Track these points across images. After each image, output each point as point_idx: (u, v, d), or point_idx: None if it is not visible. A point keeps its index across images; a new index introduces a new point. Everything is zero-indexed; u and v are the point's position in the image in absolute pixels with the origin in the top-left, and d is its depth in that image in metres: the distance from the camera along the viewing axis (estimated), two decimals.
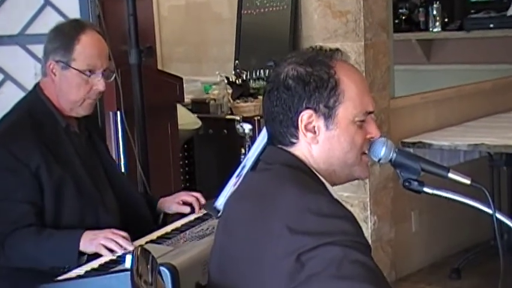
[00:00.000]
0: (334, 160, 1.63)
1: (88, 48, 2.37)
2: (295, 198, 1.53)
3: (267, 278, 1.50)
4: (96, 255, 2.22)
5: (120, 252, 2.19)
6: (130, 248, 2.18)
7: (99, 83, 2.39)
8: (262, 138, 2.29)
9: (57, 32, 2.42)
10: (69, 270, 2.16)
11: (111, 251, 2.20)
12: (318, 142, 1.62)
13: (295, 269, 1.45)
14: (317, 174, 1.63)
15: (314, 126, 1.61)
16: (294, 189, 1.54)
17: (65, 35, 2.38)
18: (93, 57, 2.38)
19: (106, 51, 2.44)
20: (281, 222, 1.50)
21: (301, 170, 1.61)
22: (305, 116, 1.60)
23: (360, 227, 1.53)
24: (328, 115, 1.60)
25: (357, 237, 1.49)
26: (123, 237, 2.22)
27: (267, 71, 4.82)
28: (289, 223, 1.49)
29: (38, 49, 3.17)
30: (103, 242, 2.21)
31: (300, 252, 1.45)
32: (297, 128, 1.61)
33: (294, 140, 1.62)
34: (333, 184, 1.67)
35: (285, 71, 1.62)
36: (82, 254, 2.23)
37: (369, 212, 4.05)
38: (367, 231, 4.04)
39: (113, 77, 2.48)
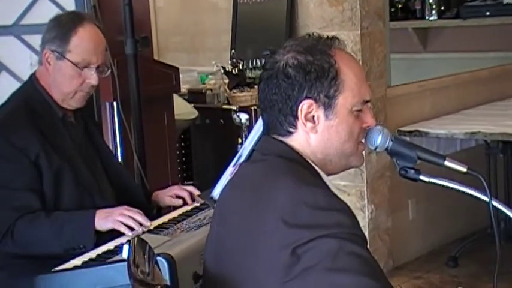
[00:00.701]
0: (331, 150, 1.63)
1: (84, 41, 2.37)
2: (290, 190, 1.52)
3: (261, 270, 1.50)
4: (102, 238, 2.24)
5: (137, 228, 2.21)
6: (147, 224, 2.23)
7: (92, 77, 2.38)
8: (258, 127, 2.29)
9: (55, 22, 2.42)
10: (84, 250, 2.19)
11: (128, 228, 2.23)
12: (316, 132, 1.61)
13: (291, 262, 1.45)
14: (313, 165, 1.62)
15: (313, 116, 1.60)
16: (289, 182, 1.53)
17: (63, 25, 2.38)
18: (88, 52, 2.37)
19: (103, 46, 2.43)
20: (276, 215, 1.49)
21: (297, 162, 1.60)
22: (305, 105, 1.59)
23: (356, 219, 1.53)
24: (328, 105, 1.60)
25: (353, 230, 1.48)
26: (139, 213, 2.26)
27: (264, 61, 4.82)
28: (284, 216, 1.48)
29: (33, 39, 3.16)
30: (120, 219, 2.23)
31: (295, 246, 1.45)
32: (296, 117, 1.60)
33: (291, 130, 1.61)
34: (328, 174, 1.66)
35: (284, 59, 1.60)
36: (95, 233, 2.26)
37: (366, 201, 4.05)
38: (364, 220, 4.04)
39: (107, 73, 2.48)
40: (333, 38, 1.65)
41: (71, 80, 2.38)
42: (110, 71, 2.51)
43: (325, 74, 1.59)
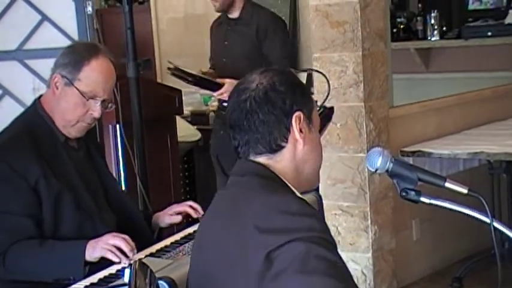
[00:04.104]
0: (311, 164, 1.69)
1: (95, 73, 2.37)
2: (262, 200, 1.58)
3: (238, 281, 1.53)
4: (98, 265, 2.22)
5: (120, 256, 2.20)
6: (130, 254, 2.20)
7: (95, 109, 2.39)
8: None
9: (71, 49, 2.44)
10: (74, 281, 2.17)
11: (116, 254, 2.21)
12: (304, 144, 1.67)
13: (265, 268, 1.48)
14: (288, 184, 1.67)
15: (301, 129, 1.67)
16: (262, 193, 1.59)
17: (78, 53, 2.40)
18: (97, 84, 2.38)
19: (112, 82, 2.43)
20: (250, 224, 1.54)
21: (272, 180, 1.65)
22: (297, 116, 1.66)
23: (327, 225, 1.59)
24: (310, 118, 1.69)
25: (323, 234, 1.53)
26: (125, 239, 2.24)
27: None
28: (258, 223, 1.53)
29: (36, 64, 3.19)
30: (106, 246, 2.22)
31: (269, 250, 1.49)
32: (288, 129, 1.65)
33: (282, 144, 1.66)
34: (299, 190, 1.71)
35: (268, 79, 1.67)
36: (85, 264, 2.24)
37: (369, 222, 4.04)
38: (368, 241, 4.03)
39: (111, 108, 2.48)
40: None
41: (75, 108, 2.38)
42: (114, 106, 2.51)
43: (303, 89, 1.71)
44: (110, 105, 2.45)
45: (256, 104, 1.65)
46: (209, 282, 1.62)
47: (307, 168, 1.69)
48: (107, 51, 2.48)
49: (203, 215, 1.82)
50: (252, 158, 1.67)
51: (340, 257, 1.52)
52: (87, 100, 2.38)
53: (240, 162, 1.70)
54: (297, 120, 1.66)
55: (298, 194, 1.67)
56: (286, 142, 1.66)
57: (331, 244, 1.53)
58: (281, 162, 1.66)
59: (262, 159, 1.66)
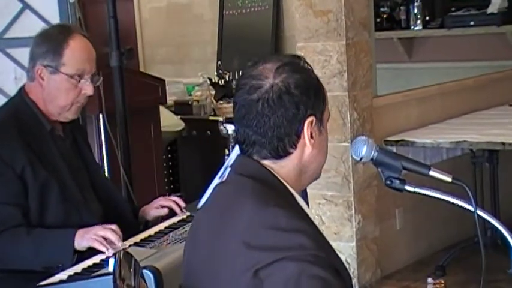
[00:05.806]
0: (316, 164, 1.63)
1: (77, 52, 2.37)
2: (252, 212, 1.51)
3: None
4: (86, 254, 2.23)
5: (109, 248, 2.19)
6: (119, 244, 2.20)
7: (88, 87, 2.39)
8: None
9: (44, 37, 2.41)
10: (62, 269, 2.17)
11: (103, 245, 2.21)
12: (313, 148, 1.60)
13: (254, 285, 1.44)
14: (288, 186, 1.60)
15: (312, 133, 1.59)
16: (252, 204, 1.52)
17: (53, 39, 2.38)
18: (82, 62, 2.38)
19: (93, 56, 2.44)
20: (238, 238, 1.49)
21: (268, 184, 1.57)
22: (310, 122, 1.58)
23: (321, 242, 1.52)
24: (321, 119, 1.61)
25: (315, 251, 1.46)
26: (113, 230, 2.23)
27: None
28: (245, 238, 1.48)
29: (18, 53, 3.16)
30: (94, 237, 2.22)
31: (257, 268, 1.44)
32: (298, 136, 1.58)
33: (291, 150, 1.58)
34: (300, 189, 1.65)
35: (282, 80, 1.56)
36: (74, 252, 2.25)
37: (353, 211, 4.06)
38: (352, 230, 4.05)
39: (99, 81, 2.48)
40: (296, 55, 1.67)
41: (67, 92, 2.38)
42: (101, 79, 2.51)
43: (317, 90, 1.61)
44: (98, 78, 2.44)
45: (269, 107, 1.55)
46: (194, 273, 1.60)
47: (311, 170, 1.62)
48: (78, 27, 2.47)
49: (201, 206, 1.77)
50: (256, 158, 1.59)
51: (334, 273, 1.46)
52: (78, 81, 2.37)
53: (243, 158, 1.61)
54: (308, 125, 1.58)
55: (296, 196, 1.61)
56: (295, 148, 1.58)
57: (325, 261, 1.46)
58: (285, 167, 1.59)
59: (266, 162, 1.58)
